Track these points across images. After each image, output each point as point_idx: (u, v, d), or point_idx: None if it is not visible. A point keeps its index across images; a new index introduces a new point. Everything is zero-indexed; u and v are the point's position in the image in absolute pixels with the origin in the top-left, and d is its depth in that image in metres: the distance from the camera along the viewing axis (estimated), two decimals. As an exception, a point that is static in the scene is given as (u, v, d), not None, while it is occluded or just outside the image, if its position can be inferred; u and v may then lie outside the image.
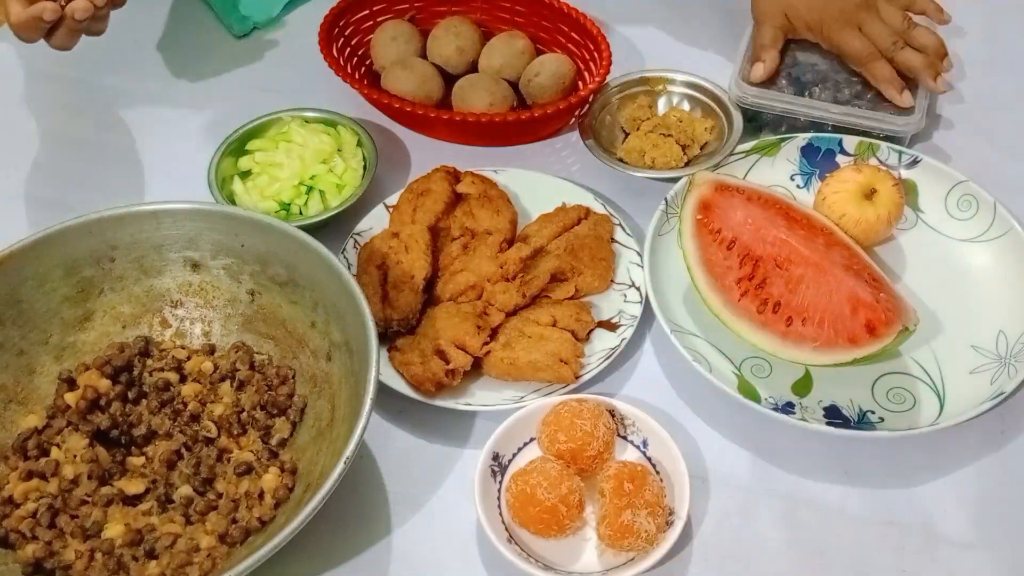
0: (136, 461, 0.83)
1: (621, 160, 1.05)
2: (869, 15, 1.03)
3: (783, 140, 1.03)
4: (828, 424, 0.84)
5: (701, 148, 1.06)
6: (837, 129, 1.04)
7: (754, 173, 1.03)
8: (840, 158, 1.02)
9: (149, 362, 0.88)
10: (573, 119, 1.13)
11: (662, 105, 1.11)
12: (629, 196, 1.05)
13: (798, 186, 1.03)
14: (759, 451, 0.87)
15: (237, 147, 1.05)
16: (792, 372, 0.89)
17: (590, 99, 1.08)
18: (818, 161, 1.03)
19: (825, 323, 0.86)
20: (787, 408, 0.86)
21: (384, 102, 1.08)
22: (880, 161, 1.01)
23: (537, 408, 0.84)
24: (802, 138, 1.03)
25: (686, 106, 1.10)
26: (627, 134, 1.09)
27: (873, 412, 0.86)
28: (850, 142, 1.02)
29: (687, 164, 1.04)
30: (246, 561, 0.68)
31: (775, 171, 1.03)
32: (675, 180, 1.00)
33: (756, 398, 0.86)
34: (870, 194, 0.95)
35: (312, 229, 0.90)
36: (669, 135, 1.06)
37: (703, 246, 0.93)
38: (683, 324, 0.92)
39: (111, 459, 0.82)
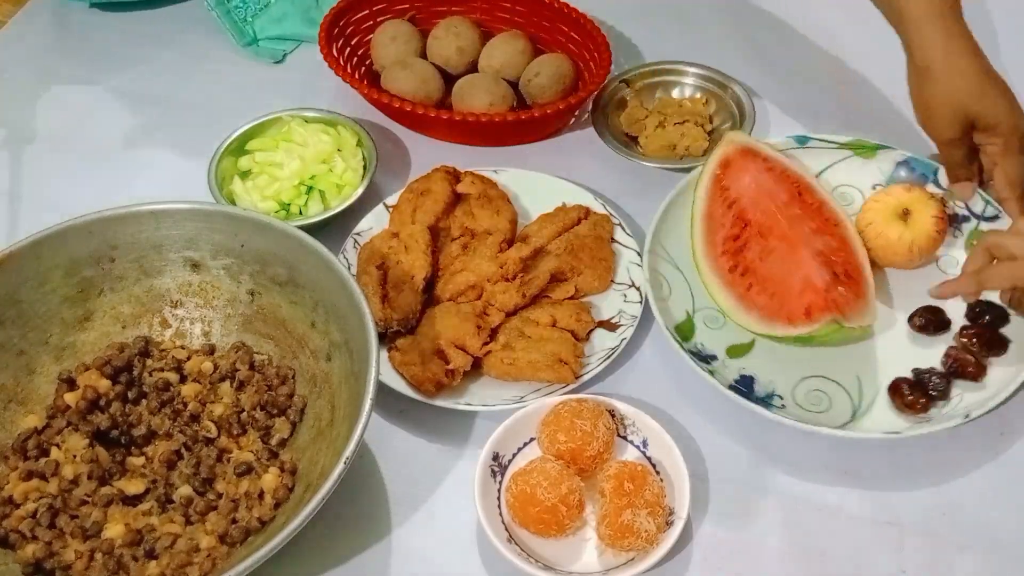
0: (136, 461, 0.83)
1: (639, 153, 1.06)
2: None
3: (881, 148, 1.01)
4: (730, 388, 0.86)
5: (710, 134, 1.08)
6: None
7: (839, 167, 1.01)
8: (930, 187, 0.99)
9: (149, 362, 0.88)
10: (573, 119, 1.13)
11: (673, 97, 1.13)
12: (629, 196, 1.05)
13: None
14: (759, 451, 0.87)
15: (237, 147, 1.06)
16: (739, 336, 0.91)
17: (591, 97, 1.09)
18: (908, 181, 0.99)
19: (775, 296, 0.89)
20: (706, 359, 0.89)
21: (384, 102, 1.08)
22: (967, 207, 0.97)
23: (537, 408, 0.84)
24: (901, 153, 1.00)
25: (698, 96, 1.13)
26: (627, 136, 1.09)
27: (782, 398, 0.87)
28: (944, 176, 0.98)
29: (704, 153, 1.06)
30: (246, 561, 0.68)
31: (862, 173, 1.01)
32: (687, 170, 1.01)
33: (688, 337, 0.90)
34: (903, 215, 0.94)
35: (312, 229, 0.90)
36: (685, 121, 1.07)
37: (711, 198, 0.96)
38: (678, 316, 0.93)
39: (111, 459, 0.82)
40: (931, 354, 0.89)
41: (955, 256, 0.96)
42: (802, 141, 1.02)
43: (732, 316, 0.90)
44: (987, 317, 0.89)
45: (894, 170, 1.01)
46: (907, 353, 0.90)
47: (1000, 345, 0.88)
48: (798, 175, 0.97)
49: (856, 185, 1.01)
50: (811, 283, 0.88)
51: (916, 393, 0.85)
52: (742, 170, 0.96)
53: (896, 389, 0.86)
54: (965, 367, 0.86)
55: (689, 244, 0.95)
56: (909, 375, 0.88)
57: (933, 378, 0.86)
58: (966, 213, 0.97)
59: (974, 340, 0.88)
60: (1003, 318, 0.89)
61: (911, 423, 0.85)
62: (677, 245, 0.96)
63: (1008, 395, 0.84)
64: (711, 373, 0.87)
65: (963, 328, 0.89)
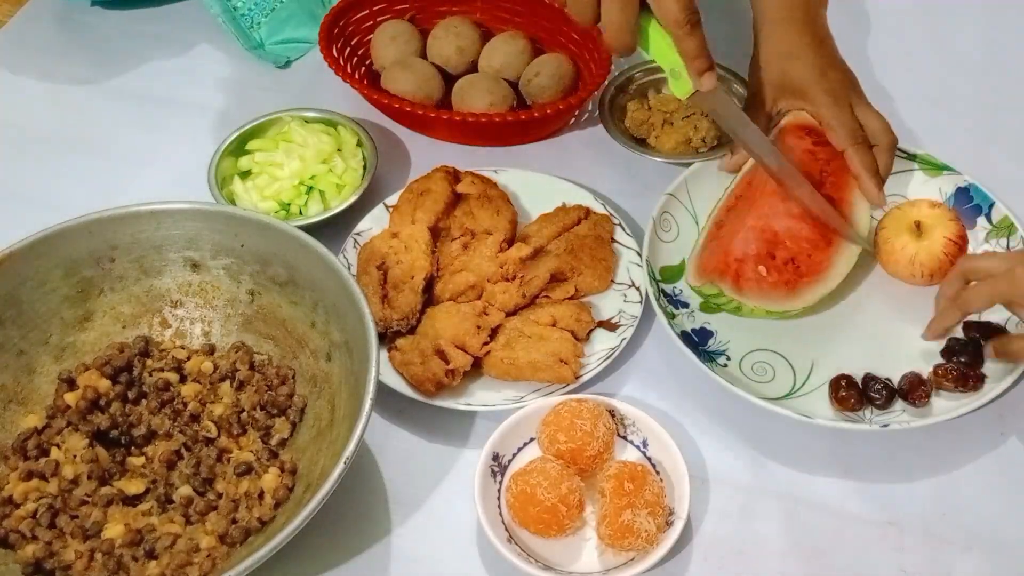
0: (136, 461, 0.83)
1: (649, 150, 1.07)
2: (858, 102, 0.98)
3: (946, 169, 1.00)
4: (683, 334, 0.90)
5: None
6: None
7: (901, 177, 1.01)
8: (981, 219, 0.98)
9: (149, 362, 0.88)
10: (573, 119, 1.13)
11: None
12: (629, 196, 1.05)
13: None
14: (759, 451, 0.87)
15: (237, 147, 1.06)
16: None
17: (591, 97, 1.09)
18: (962, 209, 0.98)
19: (710, 251, 0.92)
20: (676, 303, 0.94)
21: (384, 102, 1.08)
22: (1007, 248, 0.95)
23: (537, 408, 0.84)
24: (965, 179, 0.99)
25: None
26: (634, 139, 1.10)
27: (728, 359, 0.90)
28: (998, 212, 0.97)
29: (715, 146, 1.06)
30: (246, 561, 0.68)
31: (921, 188, 1.00)
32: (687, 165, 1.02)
33: (672, 280, 0.95)
34: (916, 228, 0.94)
35: (312, 229, 0.90)
36: (692, 113, 1.07)
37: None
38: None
39: (111, 459, 0.82)
40: (900, 368, 0.89)
41: None
42: None
43: (692, 252, 0.94)
44: (962, 357, 0.88)
45: (954, 193, 0.99)
46: (880, 359, 0.90)
47: (976, 380, 0.86)
48: (837, 167, 0.95)
49: (908, 197, 1.00)
50: (730, 248, 0.90)
51: (851, 391, 0.86)
52: (786, 139, 0.97)
53: (836, 382, 0.87)
54: (913, 392, 0.86)
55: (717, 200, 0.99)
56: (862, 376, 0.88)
57: (877, 386, 0.86)
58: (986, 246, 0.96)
59: (948, 376, 0.86)
60: (978, 359, 0.88)
61: (838, 418, 0.85)
62: (705, 201, 0.99)
63: (943, 420, 0.83)
64: (671, 317, 0.91)
65: (936, 366, 0.88)
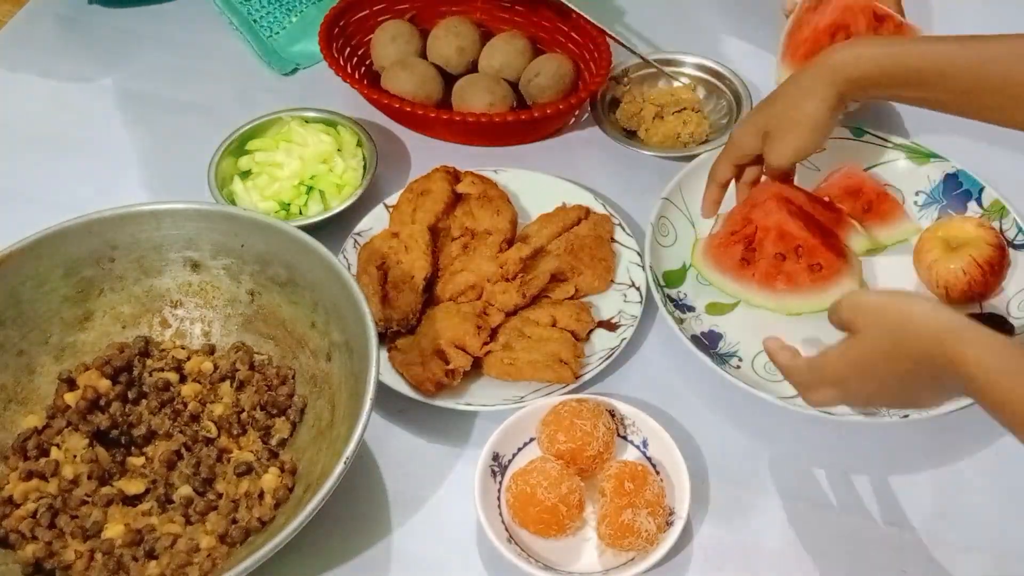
0: (136, 461, 0.83)
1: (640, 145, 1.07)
2: None
3: (933, 157, 1.00)
4: (693, 338, 0.89)
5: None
6: None
7: (888, 167, 1.01)
8: (972, 204, 0.98)
9: (149, 362, 0.88)
10: (573, 119, 1.13)
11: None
12: (630, 196, 1.05)
13: (916, 204, 1.00)
14: (759, 451, 0.87)
15: (237, 147, 1.06)
16: (724, 297, 0.95)
17: (590, 97, 1.09)
18: (952, 195, 0.99)
19: (720, 240, 0.95)
20: (682, 308, 0.94)
21: (384, 102, 1.08)
22: (1000, 229, 0.94)
23: (537, 408, 0.84)
24: (953, 165, 0.99)
25: (700, 92, 1.13)
26: (625, 131, 1.10)
27: (740, 360, 0.90)
28: (988, 195, 0.97)
29: (704, 142, 1.07)
30: (246, 561, 0.68)
31: (909, 179, 1.01)
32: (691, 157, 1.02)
33: (675, 284, 0.95)
34: (951, 242, 0.92)
35: (312, 229, 0.90)
36: (683, 109, 1.08)
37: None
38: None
39: (111, 459, 0.82)
40: None
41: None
42: (858, 134, 1.02)
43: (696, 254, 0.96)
44: None
45: (942, 180, 0.99)
46: None
47: None
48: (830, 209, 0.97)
49: (899, 187, 1.01)
50: (743, 257, 0.93)
51: None
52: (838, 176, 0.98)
53: None
54: None
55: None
56: None
57: None
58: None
59: None
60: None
61: (857, 412, 0.84)
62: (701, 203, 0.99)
63: (959, 408, 0.82)
64: (679, 322, 0.91)
65: None
